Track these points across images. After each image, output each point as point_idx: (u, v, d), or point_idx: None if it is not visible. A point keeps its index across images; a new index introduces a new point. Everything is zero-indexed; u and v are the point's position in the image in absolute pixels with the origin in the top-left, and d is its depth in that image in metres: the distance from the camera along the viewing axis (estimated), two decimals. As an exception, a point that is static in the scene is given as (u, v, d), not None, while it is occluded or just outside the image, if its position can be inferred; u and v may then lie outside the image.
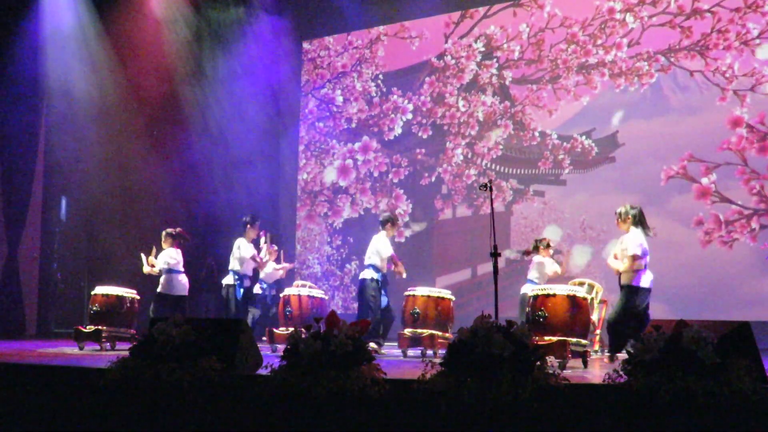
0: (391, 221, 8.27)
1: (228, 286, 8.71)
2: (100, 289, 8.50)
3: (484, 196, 11.21)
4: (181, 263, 8.64)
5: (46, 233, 11.26)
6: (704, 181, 9.67)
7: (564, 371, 4.61)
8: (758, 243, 9.27)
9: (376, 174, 12.22)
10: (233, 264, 8.71)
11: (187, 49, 11.81)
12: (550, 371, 4.14)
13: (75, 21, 11.12)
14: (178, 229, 8.73)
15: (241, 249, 8.67)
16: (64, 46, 11.05)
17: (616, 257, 6.76)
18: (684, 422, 3.86)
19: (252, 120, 12.24)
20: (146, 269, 8.69)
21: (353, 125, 12.53)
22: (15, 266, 10.80)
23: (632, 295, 6.48)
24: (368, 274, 8.07)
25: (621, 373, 4.16)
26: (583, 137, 10.58)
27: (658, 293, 9.49)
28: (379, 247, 8.11)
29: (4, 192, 10.89)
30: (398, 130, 12.14)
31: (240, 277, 8.68)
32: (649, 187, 9.91)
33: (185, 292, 8.66)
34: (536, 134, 10.89)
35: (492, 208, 6.06)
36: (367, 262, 8.16)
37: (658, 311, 9.40)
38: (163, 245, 8.67)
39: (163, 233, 8.70)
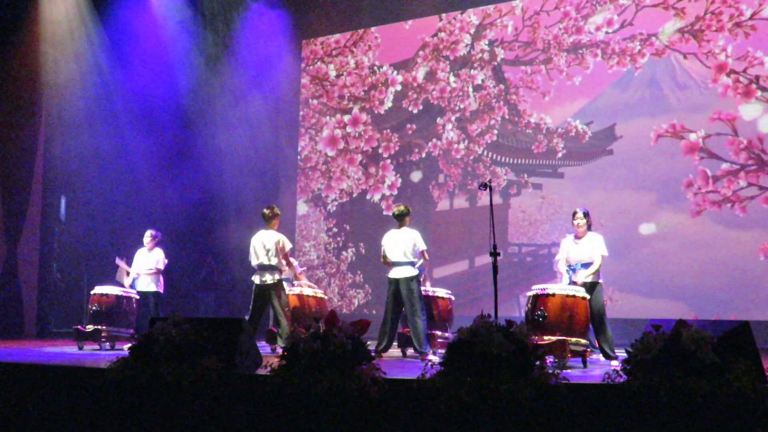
0: (408, 213, 7.52)
1: (270, 285, 7.69)
2: (99, 289, 8.51)
3: (478, 182, 11.22)
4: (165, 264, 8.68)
5: (45, 233, 11.25)
6: (692, 136, 9.75)
7: (563, 371, 4.61)
8: (748, 215, 9.31)
9: (365, 148, 12.29)
10: (270, 259, 7.69)
11: (186, 43, 11.80)
12: (550, 371, 4.14)
13: (74, 19, 11.12)
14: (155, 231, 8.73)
15: (285, 243, 7.78)
16: (64, 45, 11.04)
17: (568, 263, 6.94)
18: (684, 422, 3.86)
19: (252, 115, 12.23)
20: (128, 282, 8.63)
21: (345, 102, 12.55)
22: (15, 266, 10.80)
23: (602, 292, 6.81)
24: (411, 271, 7.30)
25: (621, 373, 4.16)
26: (577, 122, 10.63)
27: (671, 292, 9.64)
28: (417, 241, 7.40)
29: (4, 192, 10.88)
30: (388, 104, 12.19)
31: (280, 273, 7.78)
32: (650, 183, 9.94)
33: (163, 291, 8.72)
34: (531, 120, 10.93)
35: (491, 208, 6.05)
36: (403, 259, 7.33)
37: (675, 310, 9.44)
38: (149, 246, 8.54)
39: (150, 235, 8.58)
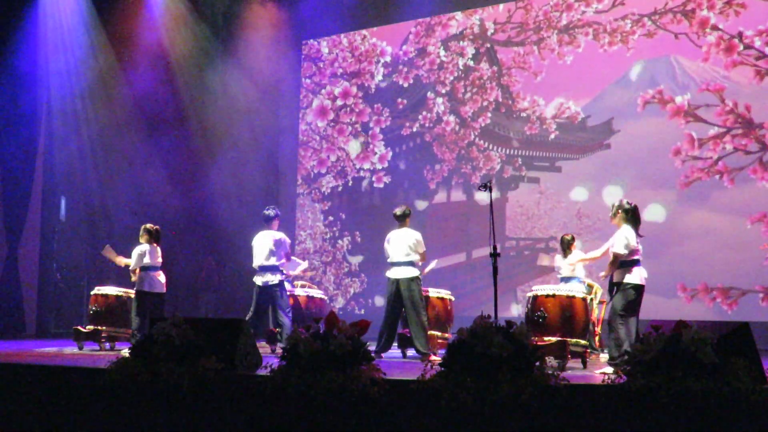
0: (410, 214, 7.56)
1: (273, 286, 7.70)
2: (99, 289, 8.48)
3: (472, 165, 11.26)
4: (155, 260, 8.10)
5: (45, 233, 11.25)
6: (678, 99, 9.83)
7: (563, 371, 4.62)
8: (736, 187, 9.37)
9: (353, 120, 12.35)
10: (269, 259, 7.71)
11: (184, 40, 11.80)
12: (550, 371, 4.14)
13: (75, 19, 11.12)
14: (156, 226, 8.27)
15: (285, 242, 7.81)
16: (64, 45, 11.05)
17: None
18: (683, 422, 3.86)
19: (251, 113, 12.23)
20: (120, 261, 8.27)
21: (338, 77, 12.60)
22: (15, 266, 10.80)
23: (625, 293, 5.99)
24: (412, 272, 7.33)
25: (621, 373, 4.16)
26: (571, 102, 10.67)
27: (669, 287, 9.65)
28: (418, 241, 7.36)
29: (4, 192, 10.88)
30: (379, 77, 12.27)
31: (282, 273, 7.77)
32: (648, 180, 9.97)
33: (153, 290, 8.01)
34: (525, 104, 10.97)
35: (491, 210, 6.04)
36: (404, 259, 7.34)
37: (675, 306, 9.45)
38: (140, 240, 8.15)
39: (141, 228, 8.23)
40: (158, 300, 8.15)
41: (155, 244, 8.19)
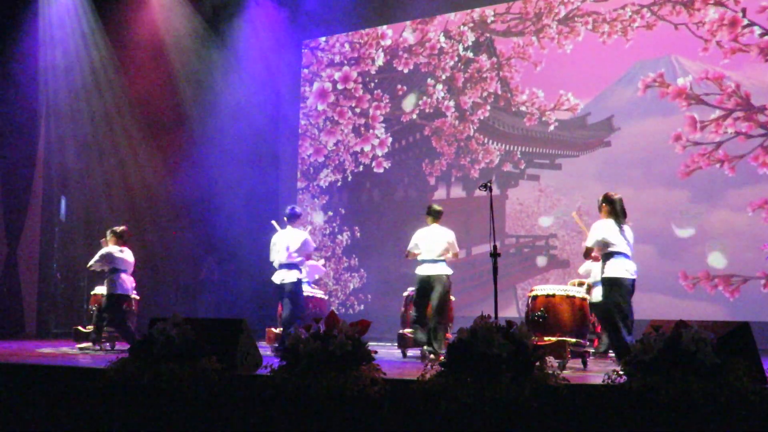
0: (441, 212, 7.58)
1: (292, 283, 7.59)
2: (99, 289, 8.48)
3: (471, 158, 11.28)
4: (123, 262, 8.02)
5: (45, 233, 11.24)
6: (679, 81, 9.86)
7: (563, 371, 4.61)
8: (736, 175, 9.38)
9: (357, 109, 12.37)
10: (284, 256, 7.60)
11: (184, 37, 11.79)
12: (550, 371, 4.15)
13: (76, 20, 11.13)
14: (122, 228, 8.23)
15: (309, 241, 7.76)
16: (65, 45, 11.05)
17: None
18: (683, 423, 3.86)
19: (250, 107, 12.23)
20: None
21: (336, 65, 12.63)
22: (15, 266, 10.79)
23: (604, 287, 5.95)
24: (445, 269, 7.33)
25: (621, 373, 4.16)
26: (570, 94, 10.68)
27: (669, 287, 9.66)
28: (450, 240, 7.35)
29: (4, 192, 10.88)
30: (379, 62, 12.28)
31: (300, 271, 7.70)
32: (648, 180, 9.97)
33: (125, 292, 8.00)
34: (524, 96, 11.00)
35: (491, 210, 6.04)
36: (436, 257, 7.33)
37: (675, 305, 9.46)
38: (109, 242, 8.10)
39: (108, 231, 8.17)
40: (126, 300, 8.08)
41: (123, 246, 8.10)
